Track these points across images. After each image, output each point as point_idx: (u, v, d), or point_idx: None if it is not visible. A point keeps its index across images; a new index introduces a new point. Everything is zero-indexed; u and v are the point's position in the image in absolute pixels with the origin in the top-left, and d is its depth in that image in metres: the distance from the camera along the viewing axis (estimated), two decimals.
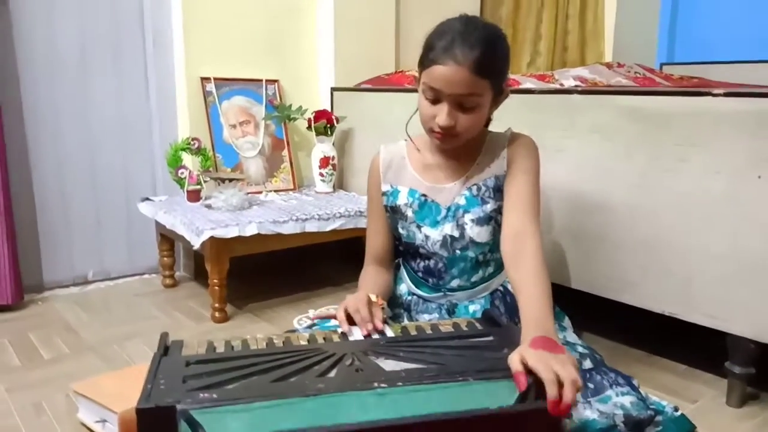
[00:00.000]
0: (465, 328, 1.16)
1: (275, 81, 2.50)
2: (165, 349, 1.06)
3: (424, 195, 1.37)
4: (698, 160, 1.43)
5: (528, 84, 2.20)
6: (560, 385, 0.88)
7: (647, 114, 1.51)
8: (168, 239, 2.23)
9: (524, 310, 1.08)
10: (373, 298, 1.22)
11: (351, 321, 1.17)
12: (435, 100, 1.23)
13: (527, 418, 0.91)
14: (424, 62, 1.23)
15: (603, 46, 3.73)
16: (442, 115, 1.22)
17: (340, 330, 1.17)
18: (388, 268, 1.46)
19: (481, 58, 1.16)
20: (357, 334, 1.14)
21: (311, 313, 1.99)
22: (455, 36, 1.18)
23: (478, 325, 1.18)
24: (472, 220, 1.33)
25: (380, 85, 2.47)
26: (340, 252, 2.53)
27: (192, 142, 2.21)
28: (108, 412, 1.23)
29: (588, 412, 1.16)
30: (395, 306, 1.47)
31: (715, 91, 1.38)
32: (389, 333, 1.15)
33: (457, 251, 1.36)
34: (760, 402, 1.46)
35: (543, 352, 0.93)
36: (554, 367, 0.89)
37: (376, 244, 1.46)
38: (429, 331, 1.15)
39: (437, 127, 1.24)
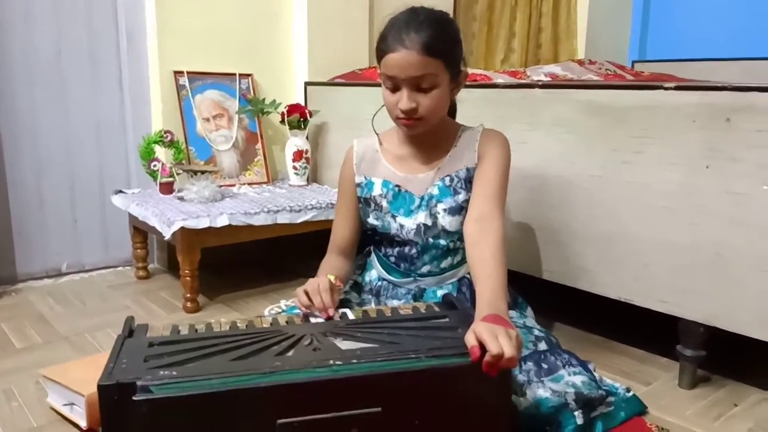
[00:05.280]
0: (423, 311, 1.20)
1: (249, 75, 2.52)
2: (130, 332, 1.10)
3: (397, 186, 1.41)
4: (653, 152, 1.48)
5: (499, 80, 2.24)
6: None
7: (605, 107, 1.56)
8: (141, 231, 2.25)
9: (480, 293, 1.13)
10: (332, 279, 1.26)
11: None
12: (394, 88, 1.29)
13: (467, 376, 0.97)
14: (379, 55, 1.30)
15: (576, 43, 3.80)
16: (403, 99, 1.28)
17: (302, 314, 1.21)
18: (349, 258, 1.51)
19: (428, 39, 1.23)
20: (319, 316, 1.18)
21: (282, 303, 2.03)
22: (402, 24, 1.25)
23: (436, 308, 1.23)
24: (445, 210, 1.38)
25: (354, 80, 2.50)
26: (312, 244, 2.55)
27: (165, 135, 2.23)
28: (76, 395, 1.26)
29: (541, 391, 1.22)
30: (363, 292, 1.52)
31: (666, 85, 1.43)
32: (351, 316, 1.19)
33: (430, 239, 1.41)
34: (710, 384, 1.52)
35: (493, 325, 0.98)
36: (499, 337, 0.94)
37: (341, 234, 1.50)
38: (388, 314, 1.19)
39: (401, 113, 1.29)
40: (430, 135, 1.38)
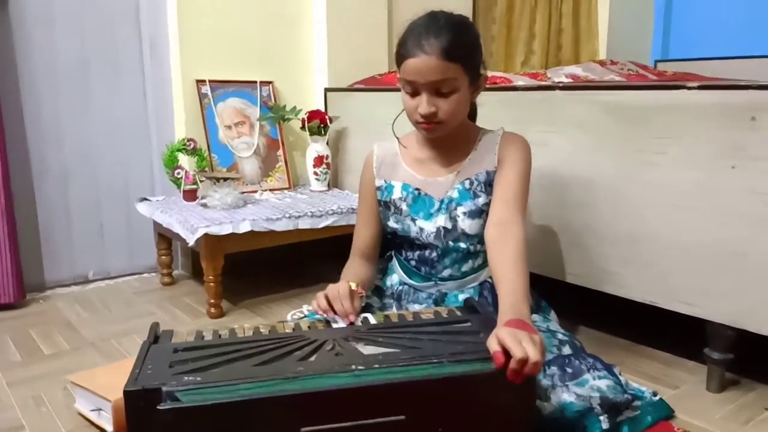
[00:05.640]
0: (445, 316, 1.20)
1: (269, 82, 2.55)
2: (155, 338, 1.11)
3: (417, 189, 1.42)
4: (675, 152, 1.46)
5: (520, 82, 2.23)
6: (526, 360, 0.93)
7: (626, 108, 1.55)
8: (166, 238, 2.28)
9: (502, 296, 1.13)
10: (353, 285, 1.26)
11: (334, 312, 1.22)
12: (414, 93, 1.30)
13: (491, 383, 0.97)
14: (398, 60, 1.30)
15: (597, 44, 3.76)
16: (422, 104, 1.28)
17: (324, 319, 1.22)
18: (372, 262, 1.51)
19: (447, 44, 1.23)
20: (340, 321, 1.19)
21: (305, 308, 2.03)
22: (421, 29, 1.26)
23: (458, 312, 1.23)
24: (464, 213, 1.38)
25: (373, 85, 2.51)
26: (333, 249, 2.56)
27: (188, 143, 2.26)
28: (102, 400, 1.28)
29: (565, 396, 1.20)
30: (385, 296, 1.52)
31: (690, 85, 1.42)
32: (372, 321, 1.20)
33: (450, 243, 1.40)
34: (739, 387, 1.49)
35: (516, 330, 0.98)
36: (523, 342, 0.94)
37: (363, 238, 1.50)
38: (410, 319, 1.19)
39: (420, 117, 1.29)
40: (449, 138, 1.38)
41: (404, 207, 1.42)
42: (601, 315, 1.88)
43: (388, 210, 1.45)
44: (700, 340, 1.48)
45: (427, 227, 1.40)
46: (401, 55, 1.29)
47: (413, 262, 1.47)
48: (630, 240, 1.57)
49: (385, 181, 1.46)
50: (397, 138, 1.47)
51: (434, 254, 1.43)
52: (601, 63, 3.00)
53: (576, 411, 1.18)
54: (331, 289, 1.24)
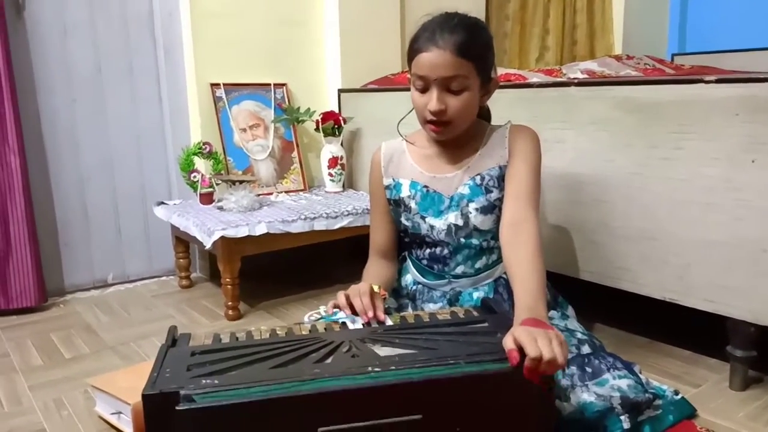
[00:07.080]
0: (462, 316, 1.19)
1: (283, 84, 2.55)
2: (173, 341, 1.12)
3: (425, 186, 1.41)
4: (693, 147, 1.44)
5: (534, 79, 2.22)
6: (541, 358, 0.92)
7: (642, 104, 1.53)
8: (183, 241, 2.29)
9: (518, 297, 1.12)
10: (376, 288, 1.26)
11: (353, 310, 1.22)
12: (424, 89, 1.29)
13: (509, 382, 0.95)
14: (411, 55, 1.30)
15: (612, 38, 3.73)
16: (432, 100, 1.27)
17: (341, 320, 1.22)
18: (392, 260, 1.50)
19: (461, 41, 1.23)
20: (358, 322, 1.18)
21: (322, 309, 2.03)
22: (435, 26, 1.26)
23: (475, 312, 1.22)
24: (477, 209, 1.37)
25: (386, 85, 2.50)
26: (349, 250, 2.57)
27: (203, 147, 2.27)
28: (122, 404, 1.29)
29: (585, 395, 1.19)
30: (400, 297, 1.52)
31: (707, 78, 1.40)
32: (388, 322, 1.19)
33: (462, 239, 1.40)
34: (763, 385, 1.47)
35: (531, 328, 0.97)
36: (538, 339, 0.93)
37: (379, 237, 1.50)
38: (426, 320, 1.19)
39: (430, 115, 1.29)
40: (458, 134, 1.37)
41: (413, 205, 1.42)
42: (618, 313, 1.86)
43: (398, 207, 1.45)
44: (721, 336, 1.45)
45: (437, 225, 1.40)
46: (414, 49, 1.28)
47: (425, 261, 1.46)
48: (647, 236, 1.55)
49: (393, 179, 1.45)
50: (402, 136, 1.47)
51: (446, 251, 1.42)
52: (617, 58, 2.96)
53: (596, 411, 1.17)
54: (352, 288, 1.24)
